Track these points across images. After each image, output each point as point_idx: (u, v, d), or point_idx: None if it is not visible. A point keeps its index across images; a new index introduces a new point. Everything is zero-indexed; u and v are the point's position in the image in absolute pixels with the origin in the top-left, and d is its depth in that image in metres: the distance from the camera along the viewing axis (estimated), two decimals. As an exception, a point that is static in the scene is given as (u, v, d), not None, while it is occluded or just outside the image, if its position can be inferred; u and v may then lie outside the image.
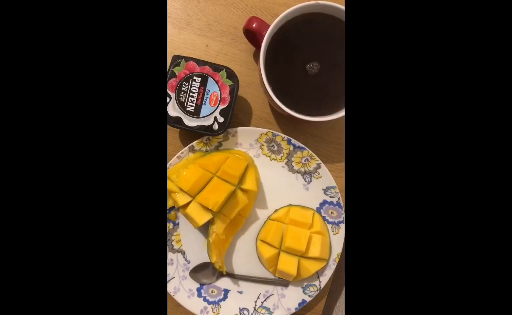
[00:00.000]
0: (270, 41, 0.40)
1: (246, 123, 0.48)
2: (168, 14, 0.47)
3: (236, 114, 0.48)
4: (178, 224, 0.46)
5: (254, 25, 0.41)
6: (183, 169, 0.42)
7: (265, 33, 0.39)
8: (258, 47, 0.46)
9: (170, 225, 0.46)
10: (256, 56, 0.48)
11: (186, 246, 0.46)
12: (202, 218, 0.41)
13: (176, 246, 0.46)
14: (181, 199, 0.41)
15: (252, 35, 0.43)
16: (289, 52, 0.41)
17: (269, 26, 0.40)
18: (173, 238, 0.46)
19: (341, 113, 0.40)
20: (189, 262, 0.46)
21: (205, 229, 0.46)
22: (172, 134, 0.48)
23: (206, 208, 0.41)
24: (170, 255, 0.46)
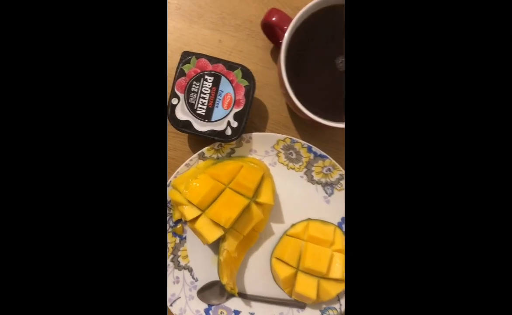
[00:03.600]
0: (292, 36, 0.35)
1: (261, 128, 0.44)
2: (177, 6, 0.43)
3: (250, 118, 0.43)
4: (185, 238, 0.42)
5: (274, 18, 0.36)
6: (192, 179, 0.38)
7: (287, 28, 0.35)
8: (277, 43, 0.41)
9: (176, 239, 0.42)
10: (274, 53, 0.43)
11: (194, 262, 0.42)
12: (213, 234, 0.37)
13: (182, 262, 0.42)
14: (189, 213, 0.37)
15: (271, 29, 0.38)
16: (314, 49, 0.36)
17: (291, 19, 0.35)
18: (179, 253, 0.42)
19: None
20: (196, 280, 0.42)
21: (215, 244, 0.42)
22: (180, 139, 0.43)
23: (217, 224, 0.36)
24: (176, 273, 0.41)
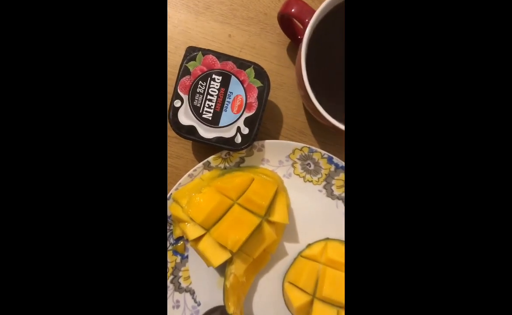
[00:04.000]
0: (315, 30, 0.30)
1: (275, 135, 0.39)
2: (182, -5, 0.38)
3: (263, 123, 0.38)
4: (187, 257, 0.37)
5: (293, 10, 0.31)
6: (196, 192, 0.33)
7: (309, 21, 0.30)
8: (295, 39, 0.36)
9: (177, 258, 0.37)
10: (291, 50, 0.38)
11: (196, 284, 0.37)
12: (218, 257, 0.32)
13: (184, 284, 0.37)
14: (192, 232, 0.32)
15: (290, 23, 0.33)
16: (340, 46, 0.31)
17: (314, 11, 0.30)
18: (180, 274, 0.37)
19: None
20: (199, 304, 0.37)
21: (221, 265, 0.37)
22: (184, 146, 0.38)
23: (223, 246, 0.32)
24: (176, 296, 0.37)
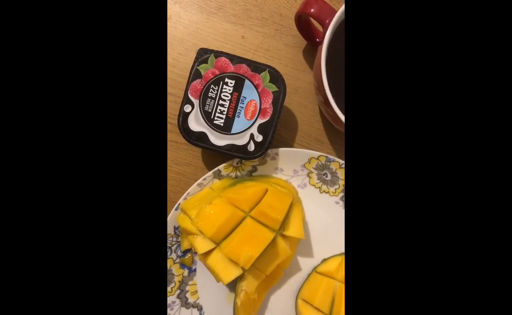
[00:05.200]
0: (336, 31, 0.28)
1: (290, 142, 0.37)
2: (194, -5, 0.36)
3: (277, 129, 0.36)
4: (195, 270, 0.35)
5: (313, 10, 0.29)
6: (206, 203, 0.31)
7: (330, 21, 0.28)
8: (313, 41, 0.34)
9: (184, 272, 0.35)
10: (308, 53, 0.36)
11: (204, 299, 0.35)
12: (229, 274, 0.30)
13: (191, 299, 0.35)
14: (201, 246, 0.30)
15: (308, 24, 0.31)
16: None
17: (335, 11, 0.28)
18: (187, 288, 0.35)
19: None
20: (207, 321, 0.35)
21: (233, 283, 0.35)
22: (193, 153, 0.36)
23: (234, 261, 0.30)
24: (183, 312, 0.35)
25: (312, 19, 0.30)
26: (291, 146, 0.37)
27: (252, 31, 0.36)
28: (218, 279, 0.31)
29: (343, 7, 0.28)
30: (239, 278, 0.32)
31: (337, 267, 0.34)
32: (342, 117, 0.28)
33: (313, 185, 0.35)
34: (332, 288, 0.34)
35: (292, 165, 0.35)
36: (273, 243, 0.31)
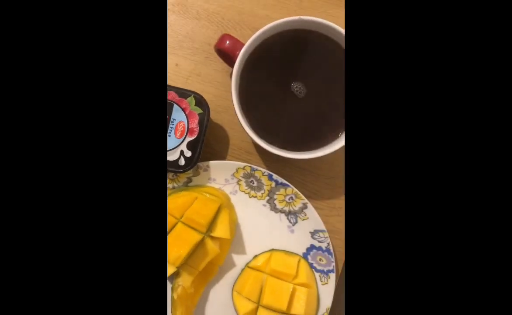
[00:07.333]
0: (244, 63, 0.34)
1: (223, 154, 0.42)
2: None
3: (210, 144, 0.41)
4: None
5: (226, 44, 0.35)
6: (143, 212, 0.36)
7: (238, 53, 0.33)
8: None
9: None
10: (233, 77, 0.41)
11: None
12: (164, 271, 0.34)
13: (139, 297, 0.40)
14: (139, 249, 0.35)
15: (226, 55, 0.37)
16: (268, 76, 0.35)
17: (243, 44, 0.34)
18: (135, 287, 0.40)
19: (332, 148, 0.34)
20: (154, 316, 0.40)
21: (170, 278, 0.40)
22: (136, 167, 0.41)
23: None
24: (131, 309, 0.39)
25: (227, 52, 0.35)
26: (225, 158, 0.42)
27: (185, 59, 0.41)
28: (157, 277, 0.36)
29: (248, 41, 0.33)
30: (175, 275, 0.36)
31: (266, 261, 0.40)
32: (254, 136, 0.34)
33: (242, 191, 0.40)
34: (261, 280, 0.39)
35: (223, 175, 0.40)
36: (202, 243, 0.36)
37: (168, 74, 0.41)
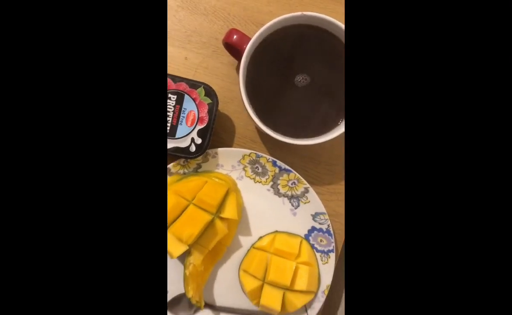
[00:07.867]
0: (251, 56, 0.36)
1: (229, 143, 0.44)
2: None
3: (217, 132, 0.44)
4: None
5: (234, 38, 0.37)
6: (156, 195, 0.38)
7: (246, 47, 0.36)
8: (240, 60, 0.42)
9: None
10: (239, 69, 0.44)
11: (163, 275, 0.43)
12: (177, 249, 0.37)
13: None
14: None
15: (233, 48, 0.39)
16: (272, 68, 0.37)
17: (250, 39, 0.36)
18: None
19: (332, 135, 0.37)
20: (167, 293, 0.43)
21: (182, 257, 0.42)
22: (148, 154, 0.44)
23: (181, 239, 0.37)
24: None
25: (234, 45, 0.38)
26: (230, 146, 0.44)
27: (193, 53, 0.44)
28: (170, 256, 0.39)
29: (255, 36, 0.35)
30: (187, 254, 0.39)
31: (270, 242, 0.42)
32: (260, 124, 0.36)
33: (248, 177, 0.43)
34: (265, 259, 0.42)
35: (230, 161, 0.43)
36: (212, 223, 0.38)
37: (178, 67, 0.43)
